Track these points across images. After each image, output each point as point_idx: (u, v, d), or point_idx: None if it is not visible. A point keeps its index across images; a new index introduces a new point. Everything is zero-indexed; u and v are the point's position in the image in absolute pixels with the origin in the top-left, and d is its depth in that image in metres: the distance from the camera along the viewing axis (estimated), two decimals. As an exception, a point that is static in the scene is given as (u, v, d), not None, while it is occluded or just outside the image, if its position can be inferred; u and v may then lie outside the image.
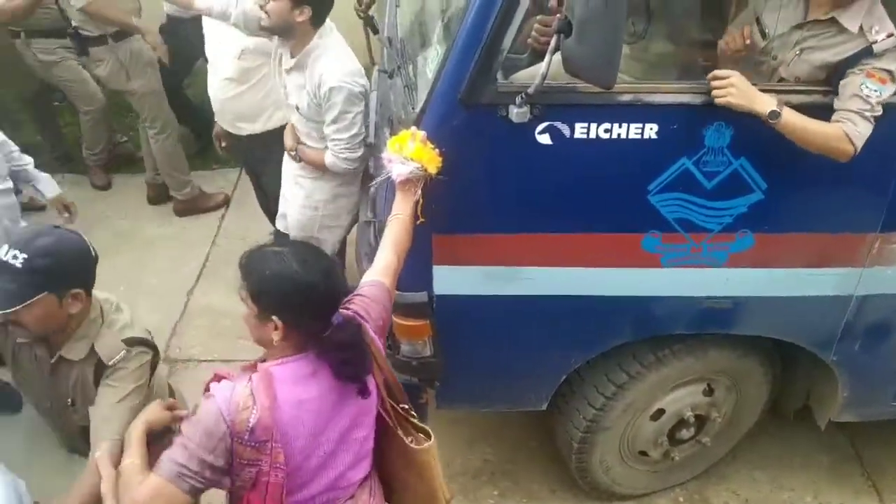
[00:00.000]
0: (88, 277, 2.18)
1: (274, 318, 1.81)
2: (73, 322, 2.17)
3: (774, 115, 2.10)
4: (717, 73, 2.16)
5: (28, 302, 2.02)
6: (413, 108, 2.37)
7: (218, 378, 1.87)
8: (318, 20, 2.96)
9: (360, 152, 3.04)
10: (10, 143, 3.25)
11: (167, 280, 4.45)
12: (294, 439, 1.82)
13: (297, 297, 1.81)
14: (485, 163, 2.31)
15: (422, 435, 2.08)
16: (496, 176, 2.34)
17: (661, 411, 2.98)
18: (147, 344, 2.28)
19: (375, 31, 4.70)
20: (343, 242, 3.59)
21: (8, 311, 2.03)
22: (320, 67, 2.95)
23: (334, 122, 2.99)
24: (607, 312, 2.60)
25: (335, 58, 2.98)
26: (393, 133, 2.52)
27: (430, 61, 2.37)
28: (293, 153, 3.20)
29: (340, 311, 1.89)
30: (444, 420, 3.30)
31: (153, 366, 2.30)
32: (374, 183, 2.39)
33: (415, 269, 2.49)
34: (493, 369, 2.76)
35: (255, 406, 1.76)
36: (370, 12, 4.62)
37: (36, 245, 2.04)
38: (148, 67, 4.58)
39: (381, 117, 2.91)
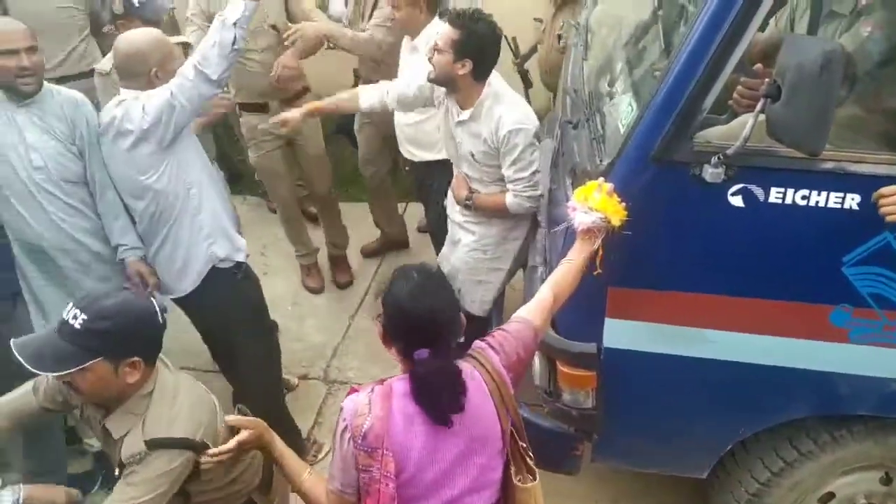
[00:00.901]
0: (150, 346, 2.06)
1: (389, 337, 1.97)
2: (131, 391, 2.04)
3: None
4: (883, 191, 2.07)
5: (81, 366, 1.93)
6: (600, 161, 2.39)
7: (353, 391, 2.00)
8: (480, 74, 3.04)
9: (539, 190, 3.08)
10: None
11: (333, 302, 4.67)
12: (407, 450, 1.90)
13: (397, 323, 1.95)
14: (671, 219, 2.30)
15: (529, 475, 2.07)
16: (681, 233, 2.31)
17: (830, 495, 2.81)
18: (186, 445, 2.04)
19: (530, 85, 4.83)
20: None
21: (61, 373, 1.95)
22: (497, 113, 3.03)
23: (514, 163, 3.06)
24: (785, 384, 2.49)
25: (509, 102, 3.08)
26: (575, 183, 2.56)
27: (624, 115, 2.38)
28: (468, 202, 3.29)
29: (443, 343, 1.95)
30: (591, 475, 3.26)
31: (196, 464, 2.08)
32: (556, 229, 2.42)
33: (586, 320, 2.50)
34: (656, 429, 2.70)
35: (370, 414, 1.88)
36: (525, 66, 4.78)
37: (98, 307, 1.95)
38: None
39: (561, 167, 2.94)
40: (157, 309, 2.06)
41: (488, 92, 3.07)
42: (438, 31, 3.50)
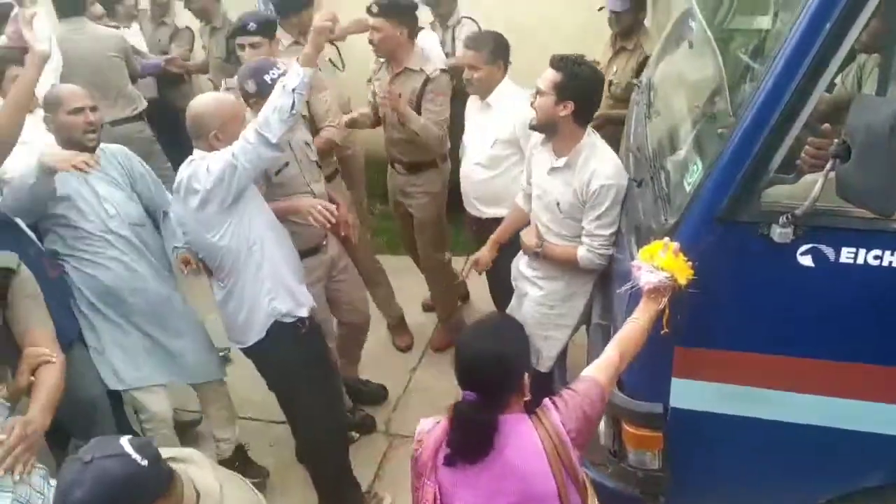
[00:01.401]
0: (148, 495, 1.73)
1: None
2: None
3: None
4: None
5: None
6: (665, 220, 2.39)
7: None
8: (581, 117, 3.07)
9: (612, 250, 3.09)
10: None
11: (394, 355, 4.69)
12: (442, 484, 2.04)
13: (455, 360, 2.09)
14: (738, 279, 2.28)
15: None
16: (749, 293, 2.29)
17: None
18: None
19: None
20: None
21: None
22: (592, 165, 3.04)
23: (598, 218, 3.05)
24: (860, 449, 2.41)
25: (604, 155, 3.08)
26: (639, 242, 2.56)
27: (689, 174, 2.39)
28: (538, 250, 3.30)
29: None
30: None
31: None
32: (622, 289, 2.42)
33: (653, 380, 2.48)
34: (724, 493, 2.64)
35: (424, 442, 2.04)
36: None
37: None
38: None
39: (625, 224, 2.94)
40: (132, 456, 1.70)
41: (587, 142, 3.09)
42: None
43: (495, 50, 3.72)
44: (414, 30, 4.07)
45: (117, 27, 5.53)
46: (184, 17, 6.10)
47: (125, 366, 3.43)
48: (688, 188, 2.34)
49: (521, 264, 3.51)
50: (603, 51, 4.70)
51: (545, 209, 3.26)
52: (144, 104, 5.23)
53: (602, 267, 3.16)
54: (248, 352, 3.32)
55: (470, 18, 5.10)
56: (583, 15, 5.11)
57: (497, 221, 3.80)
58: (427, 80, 3.98)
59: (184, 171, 3.00)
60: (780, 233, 2.11)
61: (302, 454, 3.89)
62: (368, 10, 3.96)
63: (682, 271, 2.22)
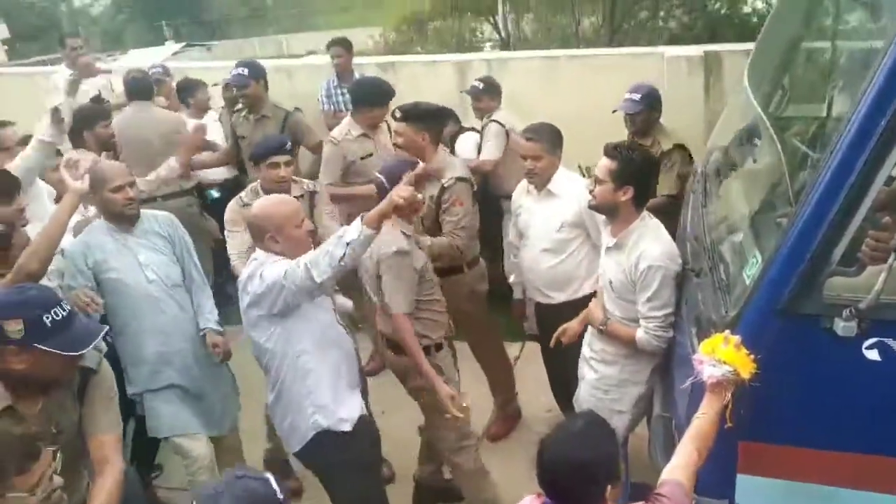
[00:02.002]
0: None
1: None
2: None
3: None
4: None
5: None
6: (726, 312, 2.38)
7: None
8: (640, 200, 3.11)
9: (670, 333, 3.07)
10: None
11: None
12: None
13: (541, 468, 2.05)
14: (802, 373, 2.24)
15: None
16: (814, 388, 2.24)
17: None
18: None
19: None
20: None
21: None
22: (641, 246, 3.07)
23: (649, 300, 3.06)
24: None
25: (654, 238, 3.10)
26: (700, 333, 2.54)
27: (748, 266, 2.38)
28: (602, 327, 3.31)
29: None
30: None
31: None
32: (685, 385, 2.39)
33: (717, 475, 2.42)
34: None
35: None
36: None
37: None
38: None
39: (685, 315, 2.92)
40: (273, 487, 1.85)
41: (640, 224, 3.13)
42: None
43: (554, 140, 3.83)
44: (436, 134, 4.06)
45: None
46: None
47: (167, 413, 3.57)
48: (747, 280, 2.33)
49: (585, 345, 3.51)
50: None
51: (604, 290, 3.31)
52: (194, 182, 5.52)
53: (660, 350, 3.14)
54: (296, 455, 3.34)
55: (497, 122, 5.18)
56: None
57: (567, 304, 3.81)
58: (442, 189, 3.98)
59: (246, 269, 3.11)
60: (843, 326, 2.09)
61: None
62: (392, 115, 4.10)
63: (745, 365, 2.19)
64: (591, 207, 3.26)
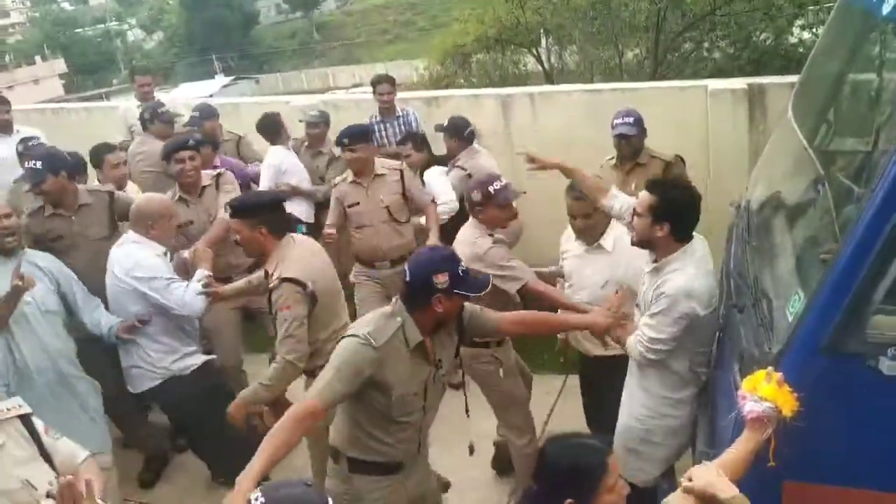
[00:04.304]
0: None
1: None
2: None
3: None
4: None
5: None
6: (769, 349, 2.36)
7: None
8: (679, 234, 3.10)
9: (653, 357, 3.11)
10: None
11: (493, 482, 4.62)
12: None
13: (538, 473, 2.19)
14: (847, 412, 2.22)
15: None
16: (860, 427, 2.21)
17: None
18: None
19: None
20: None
21: None
22: (672, 275, 3.06)
23: (651, 317, 3.09)
24: None
25: (689, 273, 3.06)
26: (743, 369, 2.52)
27: (791, 303, 2.36)
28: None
29: None
30: None
31: None
32: (727, 419, 2.38)
33: (760, 514, 2.38)
34: None
35: None
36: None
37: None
38: None
39: (727, 350, 2.90)
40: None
41: (680, 254, 3.11)
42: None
43: None
44: (275, 222, 3.63)
45: None
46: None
47: None
48: (790, 317, 2.31)
49: (630, 375, 3.49)
50: (604, 175, 4.54)
51: (639, 311, 3.31)
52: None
53: (642, 364, 3.19)
54: None
55: (461, 168, 5.30)
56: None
57: (605, 357, 3.79)
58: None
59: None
60: (889, 365, 2.07)
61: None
62: (225, 209, 4.03)
63: (787, 402, 2.18)
64: (632, 244, 3.25)
